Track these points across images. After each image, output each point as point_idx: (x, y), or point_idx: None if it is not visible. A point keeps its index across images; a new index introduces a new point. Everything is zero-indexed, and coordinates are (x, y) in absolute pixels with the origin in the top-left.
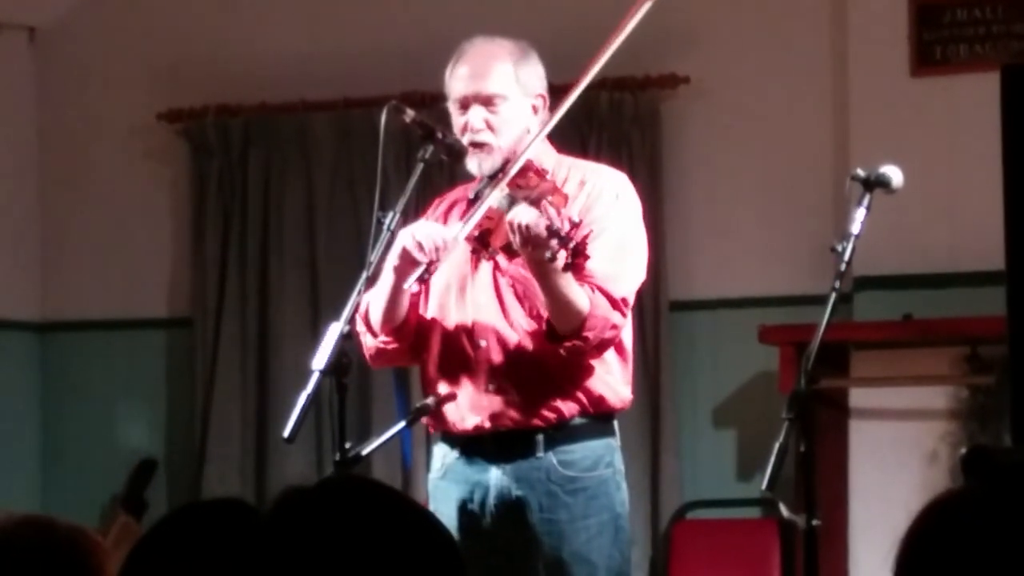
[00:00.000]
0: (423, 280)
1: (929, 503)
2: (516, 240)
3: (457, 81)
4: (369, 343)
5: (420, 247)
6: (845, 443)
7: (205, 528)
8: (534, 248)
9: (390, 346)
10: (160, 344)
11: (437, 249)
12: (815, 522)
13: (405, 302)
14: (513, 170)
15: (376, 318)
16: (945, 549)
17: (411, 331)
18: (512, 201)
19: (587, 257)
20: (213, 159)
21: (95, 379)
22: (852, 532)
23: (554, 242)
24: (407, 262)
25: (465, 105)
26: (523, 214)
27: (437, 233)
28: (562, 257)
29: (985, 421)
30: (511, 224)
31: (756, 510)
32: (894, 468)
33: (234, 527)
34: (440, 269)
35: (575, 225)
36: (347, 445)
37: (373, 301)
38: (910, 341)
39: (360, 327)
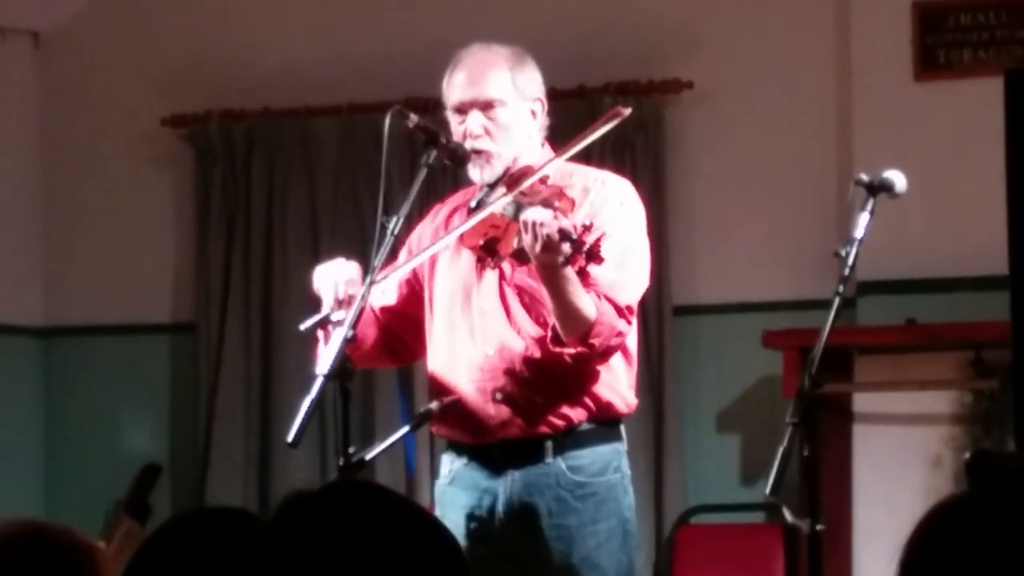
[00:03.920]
0: (321, 327)
1: (933, 507)
2: (528, 240)
3: (455, 88)
4: None
5: (322, 291)
6: (849, 447)
7: (206, 535)
8: (546, 251)
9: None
10: (164, 349)
11: (339, 301)
12: (819, 527)
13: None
14: (524, 184)
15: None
16: (949, 553)
17: (368, 342)
18: (518, 207)
19: (602, 260)
20: (217, 164)
21: (99, 384)
22: (856, 536)
23: (566, 245)
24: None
25: (463, 111)
26: (538, 213)
27: (340, 282)
28: (577, 261)
29: (989, 425)
30: (525, 223)
31: (760, 515)
32: (898, 472)
33: (233, 533)
34: (444, 278)
35: (587, 228)
36: (351, 450)
37: None
38: (914, 345)
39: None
